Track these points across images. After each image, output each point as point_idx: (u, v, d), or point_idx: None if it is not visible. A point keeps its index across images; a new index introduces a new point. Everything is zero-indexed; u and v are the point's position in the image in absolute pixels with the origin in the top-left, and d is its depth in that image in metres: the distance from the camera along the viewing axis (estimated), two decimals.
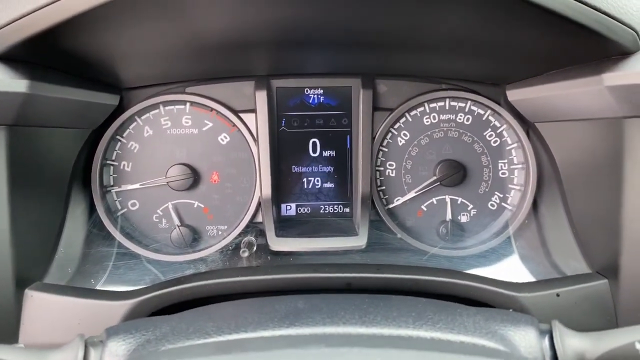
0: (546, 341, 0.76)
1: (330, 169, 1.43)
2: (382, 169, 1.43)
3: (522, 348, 0.75)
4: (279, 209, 1.43)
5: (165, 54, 1.16)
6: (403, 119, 1.42)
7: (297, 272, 1.12)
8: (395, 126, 1.42)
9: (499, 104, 1.39)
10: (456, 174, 1.39)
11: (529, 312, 1.03)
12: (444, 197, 1.43)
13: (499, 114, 1.40)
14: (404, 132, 1.42)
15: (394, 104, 1.40)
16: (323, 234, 1.34)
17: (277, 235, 1.33)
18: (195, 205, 1.40)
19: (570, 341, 0.75)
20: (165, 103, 1.37)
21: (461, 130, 1.42)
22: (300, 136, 1.42)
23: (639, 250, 1.01)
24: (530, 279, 1.26)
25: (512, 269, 1.33)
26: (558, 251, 1.29)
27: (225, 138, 1.39)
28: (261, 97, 1.35)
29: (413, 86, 1.40)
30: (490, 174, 1.42)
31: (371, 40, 1.13)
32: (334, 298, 0.87)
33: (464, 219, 1.44)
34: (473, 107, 1.41)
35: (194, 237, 1.39)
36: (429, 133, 1.42)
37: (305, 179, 1.43)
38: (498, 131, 1.42)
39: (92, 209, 1.35)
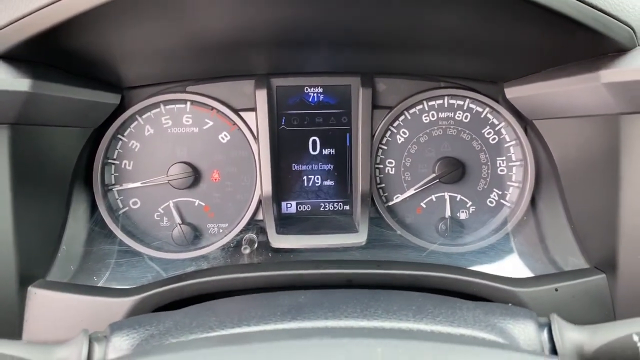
0: (545, 334, 0.77)
1: (330, 166, 1.44)
2: (381, 166, 1.44)
3: (521, 341, 0.76)
4: (279, 206, 1.44)
5: (166, 54, 1.16)
6: (402, 117, 1.42)
7: (298, 269, 1.13)
8: (395, 124, 1.43)
9: (497, 101, 1.40)
10: (455, 171, 1.40)
11: (528, 307, 1.03)
12: (443, 194, 1.43)
13: (497, 112, 1.41)
14: (403, 130, 1.43)
15: (393, 102, 1.41)
16: (323, 231, 1.34)
17: (278, 232, 1.33)
18: (196, 204, 1.40)
19: (568, 334, 0.75)
20: (166, 102, 1.38)
21: (460, 128, 1.42)
22: (300, 134, 1.42)
23: (636, 245, 1.02)
24: (529, 274, 1.27)
25: (511, 265, 1.34)
26: (556, 247, 1.30)
27: (226, 136, 1.40)
28: (261, 96, 1.36)
29: (412, 84, 1.41)
30: (489, 171, 1.43)
31: (371, 40, 1.14)
32: (336, 293, 0.88)
33: (463, 215, 1.44)
34: (471, 105, 1.42)
35: (195, 235, 1.40)
36: (427, 131, 1.43)
37: (305, 177, 1.44)
38: (496, 128, 1.42)
39: (93, 207, 1.35)
